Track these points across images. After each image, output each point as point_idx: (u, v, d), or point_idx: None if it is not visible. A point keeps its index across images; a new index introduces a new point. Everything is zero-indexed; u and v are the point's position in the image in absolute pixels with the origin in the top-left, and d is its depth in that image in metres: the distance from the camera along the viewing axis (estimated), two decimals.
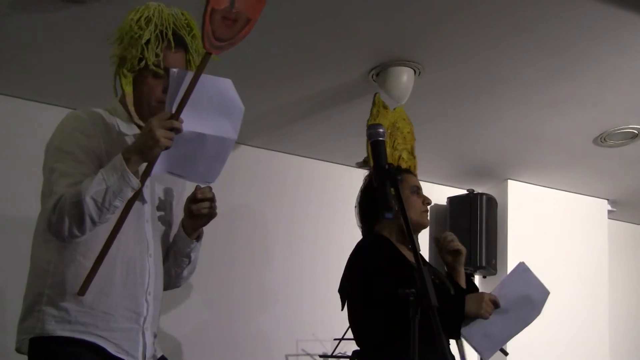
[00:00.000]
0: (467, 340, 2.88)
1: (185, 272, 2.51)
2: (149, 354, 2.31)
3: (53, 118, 4.24)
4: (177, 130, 2.10)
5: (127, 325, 2.25)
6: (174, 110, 2.11)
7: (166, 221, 2.46)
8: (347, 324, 3.02)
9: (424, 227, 3.05)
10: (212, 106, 2.18)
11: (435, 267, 3.24)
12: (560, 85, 4.09)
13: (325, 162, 5.05)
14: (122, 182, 2.09)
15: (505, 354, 3.88)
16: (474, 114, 4.49)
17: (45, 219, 2.16)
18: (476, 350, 2.88)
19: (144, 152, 2.11)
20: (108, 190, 2.08)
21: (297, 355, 4.76)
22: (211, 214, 2.38)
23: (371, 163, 2.89)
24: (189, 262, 2.47)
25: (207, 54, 2.15)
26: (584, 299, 5.58)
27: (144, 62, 2.26)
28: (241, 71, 3.62)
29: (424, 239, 5.39)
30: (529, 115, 4.48)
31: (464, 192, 5.45)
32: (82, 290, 2.15)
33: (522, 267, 2.91)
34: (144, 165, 2.17)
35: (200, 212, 2.36)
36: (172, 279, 2.51)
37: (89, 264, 2.16)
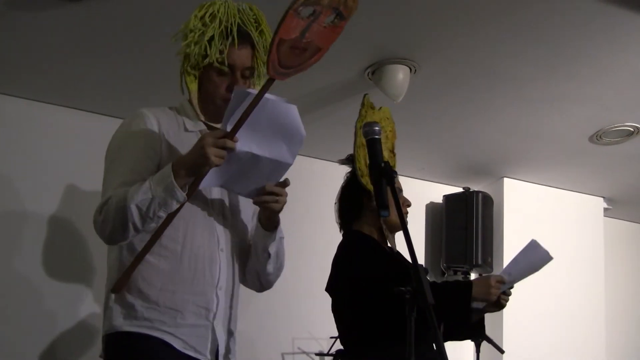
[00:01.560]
0: None
1: (269, 268, 2.39)
2: (221, 351, 2.26)
3: (50, 116, 4.33)
4: (230, 150, 2.07)
5: (195, 322, 2.20)
6: (229, 128, 2.08)
7: (243, 218, 2.39)
8: None
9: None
10: (270, 128, 2.13)
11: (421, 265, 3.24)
12: (556, 82, 4.09)
13: (323, 161, 5.05)
14: (167, 194, 2.06)
15: (502, 351, 3.89)
16: (469, 111, 4.49)
17: (93, 217, 2.15)
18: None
19: (192, 167, 2.08)
20: (153, 200, 2.06)
21: (294, 353, 4.76)
22: (274, 208, 2.27)
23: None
24: (269, 256, 2.35)
25: (270, 80, 2.11)
26: (580, 296, 5.59)
27: (207, 59, 2.23)
28: None
29: (418, 240, 5.41)
30: (525, 113, 4.48)
31: (460, 190, 5.45)
32: (117, 288, 2.14)
33: (533, 244, 3.00)
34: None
35: (262, 204, 2.27)
36: (261, 277, 2.42)
37: (153, 259, 2.16)
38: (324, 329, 4.53)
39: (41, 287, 4.15)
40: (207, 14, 2.25)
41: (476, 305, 2.88)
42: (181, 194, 2.08)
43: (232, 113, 2.08)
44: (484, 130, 4.74)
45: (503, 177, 5.51)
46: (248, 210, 2.40)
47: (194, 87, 2.30)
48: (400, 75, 3.91)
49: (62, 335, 4.16)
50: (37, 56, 3.85)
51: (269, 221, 2.32)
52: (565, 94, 4.21)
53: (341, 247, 2.96)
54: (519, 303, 5.35)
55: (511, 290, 3.00)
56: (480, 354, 3.80)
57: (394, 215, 2.80)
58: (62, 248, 4.26)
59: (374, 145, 2.21)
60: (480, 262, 5.23)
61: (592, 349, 5.54)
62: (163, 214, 2.10)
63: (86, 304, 4.24)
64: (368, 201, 2.92)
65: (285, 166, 2.21)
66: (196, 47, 2.24)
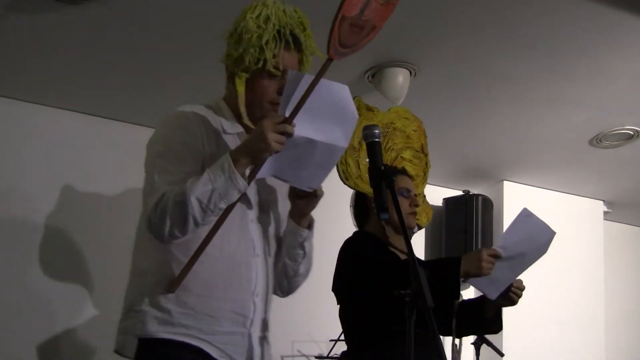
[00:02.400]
0: (472, 285, 2.84)
1: (301, 268, 2.36)
2: (257, 359, 2.22)
3: (47, 119, 4.33)
4: (289, 135, 2.02)
5: (232, 329, 2.15)
6: (287, 113, 2.02)
7: (275, 220, 2.33)
8: None
9: (410, 229, 3.03)
10: (325, 112, 2.07)
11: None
12: (556, 85, 4.09)
13: None
14: (229, 184, 2.01)
15: (501, 354, 3.88)
16: (469, 114, 4.49)
17: (146, 217, 2.08)
18: (482, 292, 2.86)
19: (253, 154, 2.03)
20: (214, 191, 2.00)
21: (293, 356, 4.75)
22: (317, 193, 2.25)
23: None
24: (304, 254, 2.32)
25: (329, 60, 2.07)
26: (580, 299, 5.58)
27: (261, 62, 2.18)
28: None
29: (418, 242, 5.41)
30: (525, 116, 4.48)
31: (460, 193, 5.45)
32: (171, 287, 2.06)
33: (525, 213, 2.83)
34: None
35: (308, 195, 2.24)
36: (290, 279, 2.38)
37: None
38: (323, 331, 4.54)
39: (36, 288, 4.14)
40: (262, 16, 2.19)
41: (492, 295, 2.83)
42: (243, 183, 2.03)
43: (289, 97, 2.03)
44: (484, 133, 4.74)
45: (503, 180, 5.51)
46: (283, 215, 2.35)
47: (242, 89, 2.23)
48: (400, 78, 3.91)
49: (61, 336, 4.16)
50: (33, 58, 3.85)
51: (305, 216, 2.29)
52: (565, 96, 4.21)
53: (344, 247, 2.97)
54: (519, 305, 5.36)
55: (524, 284, 2.93)
56: (479, 357, 3.79)
57: (396, 217, 2.83)
58: (57, 249, 4.26)
59: (373, 148, 2.21)
60: None
61: (592, 352, 5.53)
62: (224, 205, 2.04)
63: (84, 305, 4.23)
64: (372, 204, 2.92)
65: (340, 150, 2.15)
66: (252, 50, 2.17)
